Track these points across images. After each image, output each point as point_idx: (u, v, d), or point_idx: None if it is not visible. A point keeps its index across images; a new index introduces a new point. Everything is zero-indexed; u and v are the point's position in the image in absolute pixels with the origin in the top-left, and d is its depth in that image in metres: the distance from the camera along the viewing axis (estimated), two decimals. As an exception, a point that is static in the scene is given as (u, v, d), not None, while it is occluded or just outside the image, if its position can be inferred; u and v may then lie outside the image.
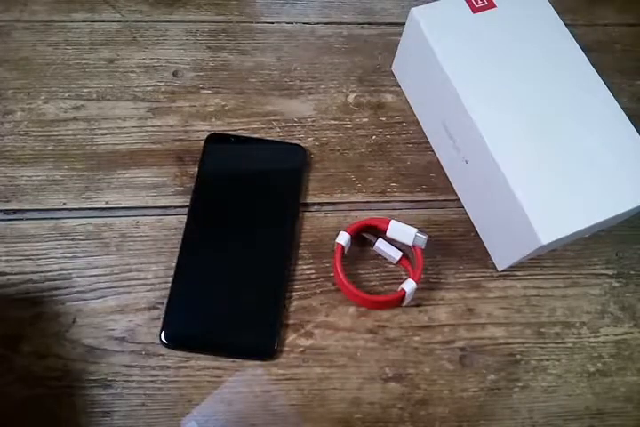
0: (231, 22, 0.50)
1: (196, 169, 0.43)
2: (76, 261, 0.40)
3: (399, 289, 0.38)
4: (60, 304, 0.39)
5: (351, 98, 0.47)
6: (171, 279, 0.39)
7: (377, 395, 0.38)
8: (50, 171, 0.43)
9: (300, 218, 0.42)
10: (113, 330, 0.38)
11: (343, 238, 0.40)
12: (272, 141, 0.45)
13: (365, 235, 0.42)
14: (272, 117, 0.46)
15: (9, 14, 0.48)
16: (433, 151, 0.45)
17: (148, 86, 0.46)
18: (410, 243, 0.39)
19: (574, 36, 0.40)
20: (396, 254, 0.41)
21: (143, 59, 0.47)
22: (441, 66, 0.39)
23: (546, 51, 0.39)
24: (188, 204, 0.42)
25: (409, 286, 0.38)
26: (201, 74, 0.47)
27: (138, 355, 0.38)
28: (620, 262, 0.43)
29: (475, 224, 0.43)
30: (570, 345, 0.40)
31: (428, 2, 0.41)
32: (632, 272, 0.42)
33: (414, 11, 0.41)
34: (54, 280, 0.39)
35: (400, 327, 0.40)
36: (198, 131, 0.45)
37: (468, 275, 0.42)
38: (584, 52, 0.39)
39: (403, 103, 0.47)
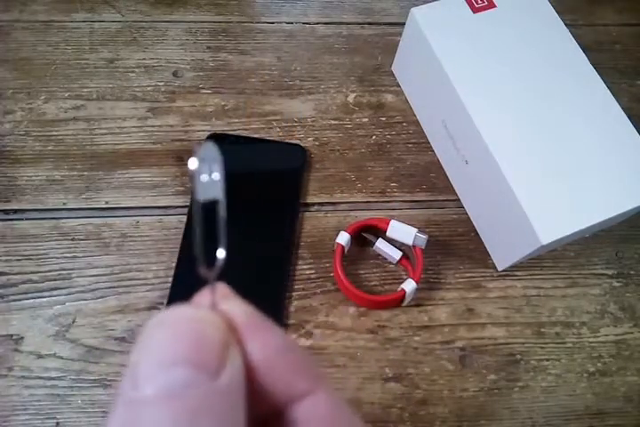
0: (231, 22, 0.50)
1: (196, 169, 0.43)
2: (75, 261, 0.40)
3: (399, 289, 0.38)
4: (59, 304, 0.39)
5: (351, 98, 0.47)
6: (171, 279, 0.39)
7: (377, 395, 0.38)
8: (50, 171, 0.43)
9: (299, 218, 0.42)
10: (113, 330, 0.38)
11: (343, 238, 0.40)
12: (272, 141, 0.44)
13: (365, 235, 0.42)
14: (272, 117, 0.46)
15: (9, 14, 0.48)
16: (433, 151, 0.45)
17: (148, 86, 0.46)
18: (410, 243, 0.39)
19: (574, 36, 0.40)
20: (396, 254, 0.40)
21: (143, 59, 0.47)
22: (441, 66, 0.39)
23: (546, 51, 0.39)
24: (187, 204, 0.42)
25: (409, 286, 0.38)
26: (201, 74, 0.47)
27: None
28: (620, 262, 0.43)
29: (475, 224, 0.43)
30: (570, 345, 0.40)
31: (428, 2, 0.41)
32: (632, 272, 0.42)
33: (414, 11, 0.40)
34: (54, 280, 0.39)
35: (400, 327, 0.40)
36: (198, 131, 0.45)
37: (468, 275, 0.42)
38: (584, 52, 0.39)
39: (403, 103, 0.47)
